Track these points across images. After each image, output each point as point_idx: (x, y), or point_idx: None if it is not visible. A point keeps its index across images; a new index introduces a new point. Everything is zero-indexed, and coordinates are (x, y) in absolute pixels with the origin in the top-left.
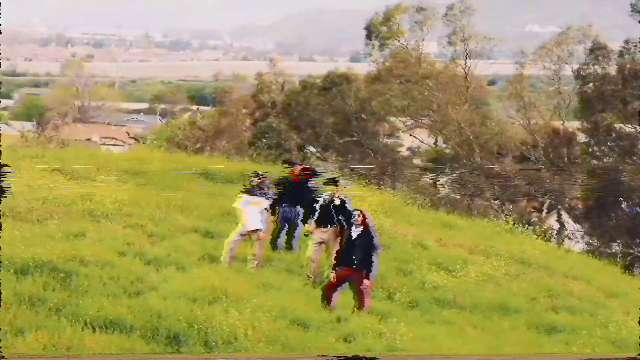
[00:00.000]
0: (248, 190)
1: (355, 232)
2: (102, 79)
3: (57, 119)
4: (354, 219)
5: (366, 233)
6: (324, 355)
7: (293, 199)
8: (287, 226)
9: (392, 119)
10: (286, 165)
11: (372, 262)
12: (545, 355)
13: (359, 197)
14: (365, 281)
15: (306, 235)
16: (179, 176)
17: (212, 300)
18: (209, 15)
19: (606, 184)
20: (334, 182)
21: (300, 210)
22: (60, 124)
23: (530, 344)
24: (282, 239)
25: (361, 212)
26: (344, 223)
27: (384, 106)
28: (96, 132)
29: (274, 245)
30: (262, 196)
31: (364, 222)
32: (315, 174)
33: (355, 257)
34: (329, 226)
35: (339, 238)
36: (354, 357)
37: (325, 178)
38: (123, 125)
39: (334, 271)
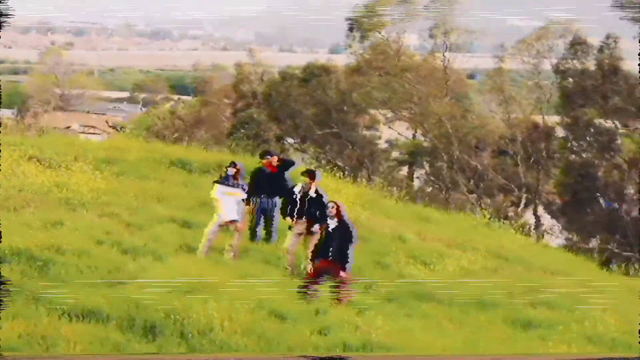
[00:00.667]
0: (224, 181)
1: (331, 224)
2: (80, 67)
3: (37, 107)
4: (328, 210)
5: (342, 225)
6: (304, 356)
7: (270, 190)
8: (263, 217)
9: (373, 111)
10: (263, 156)
11: (348, 254)
12: (542, 355)
13: (335, 189)
14: (342, 273)
15: (290, 228)
16: (156, 165)
17: (189, 290)
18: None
19: (583, 179)
20: (311, 173)
21: (277, 201)
22: (40, 111)
23: (507, 338)
24: (260, 229)
25: (335, 203)
26: (318, 215)
27: (365, 98)
28: (76, 121)
29: (252, 235)
30: (238, 187)
31: (338, 214)
32: (291, 164)
33: (332, 250)
34: (304, 218)
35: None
36: (332, 358)
37: (301, 169)
38: (104, 114)
39: (312, 263)
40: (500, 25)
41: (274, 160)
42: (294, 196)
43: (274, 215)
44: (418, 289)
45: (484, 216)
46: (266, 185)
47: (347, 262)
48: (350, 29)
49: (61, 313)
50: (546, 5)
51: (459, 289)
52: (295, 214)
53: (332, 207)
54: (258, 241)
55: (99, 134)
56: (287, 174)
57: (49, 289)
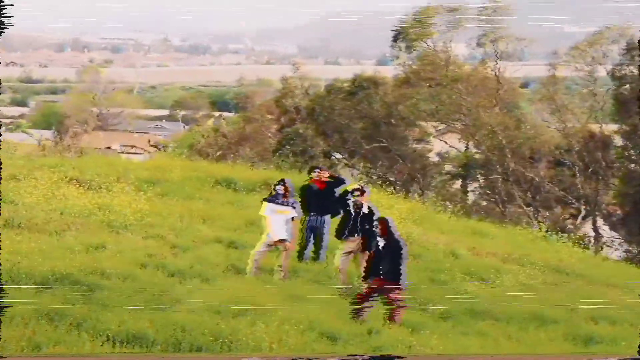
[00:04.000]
0: (273, 199)
1: (380, 242)
2: (120, 85)
3: (76, 127)
4: (375, 229)
5: (392, 242)
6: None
7: (318, 207)
8: (312, 236)
9: (423, 123)
10: (311, 172)
11: (400, 272)
12: (546, 355)
13: (387, 205)
14: (395, 292)
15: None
16: (200, 185)
17: (238, 313)
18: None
19: None
20: (360, 190)
21: (327, 219)
22: (80, 132)
23: (568, 355)
24: (309, 249)
25: (381, 220)
26: (370, 232)
27: (413, 110)
28: (117, 140)
29: (300, 255)
30: (287, 205)
31: (384, 231)
32: (341, 181)
33: (383, 268)
34: (356, 235)
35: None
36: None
37: (351, 185)
38: (145, 133)
39: (364, 282)
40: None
41: (324, 175)
42: (350, 215)
43: (323, 234)
44: (474, 306)
45: (541, 229)
46: (315, 203)
47: (400, 279)
48: (395, 39)
49: (105, 339)
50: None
51: (517, 304)
52: (347, 232)
53: (379, 226)
54: (306, 260)
55: (141, 153)
56: (337, 192)
57: (92, 314)
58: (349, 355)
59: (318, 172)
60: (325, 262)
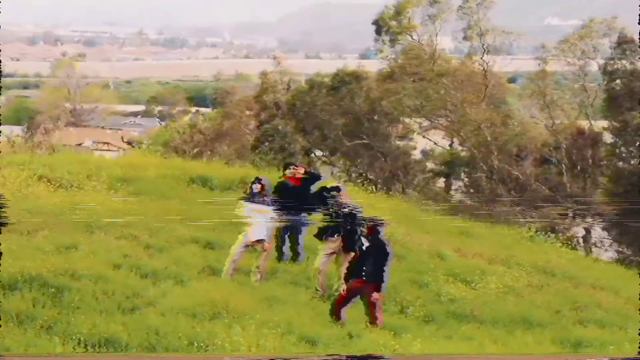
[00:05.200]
0: (249, 198)
1: (365, 242)
2: (94, 80)
3: (47, 123)
4: (361, 229)
5: (377, 242)
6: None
7: (294, 205)
8: (288, 235)
9: (407, 120)
10: (286, 169)
11: (384, 273)
12: (538, 355)
13: (367, 203)
14: (375, 294)
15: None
16: (175, 183)
17: (214, 315)
18: (207, 12)
19: (633, 187)
20: (336, 189)
21: (303, 217)
22: (51, 128)
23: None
24: (287, 248)
25: (371, 221)
26: (353, 232)
27: (397, 106)
28: (90, 137)
29: (279, 255)
30: (265, 204)
31: (371, 231)
32: (317, 178)
33: (366, 269)
34: (337, 236)
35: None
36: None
37: (328, 182)
38: (119, 129)
39: (345, 284)
40: (538, 25)
41: (299, 172)
42: (331, 214)
43: (299, 233)
44: (458, 309)
45: (530, 229)
46: (289, 201)
47: (383, 281)
48: (379, 32)
49: (77, 343)
50: (584, 2)
51: (502, 307)
52: (327, 231)
53: (366, 226)
54: (285, 261)
55: (114, 150)
56: (312, 189)
57: (63, 317)
58: (328, 355)
59: (293, 169)
60: (305, 263)
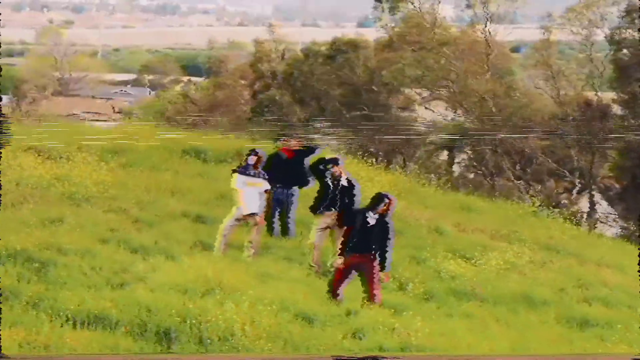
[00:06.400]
0: (243, 170)
1: (372, 217)
2: (82, 48)
3: (34, 92)
4: (379, 206)
5: (385, 220)
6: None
7: (285, 178)
8: (279, 209)
9: (408, 90)
10: (280, 141)
11: (387, 251)
12: (536, 355)
13: (367, 177)
14: (380, 273)
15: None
16: (167, 155)
17: (206, 292)
18: None
19: None
20: (334, 161)
21: (295, 191)
22: (39, 97)
23: (560, 339)
24: (277, 223)
25: (388, 199)
26: (351, 206)
27: (397, 76)
28: (78, 107)
29: (270, 229)
30: (259, 176)
31: (386, 210)
32: (312, 150)
33: (373, 245)
34: (333, 210)
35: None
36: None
37: (324, 154)
38: (109, 99)
39: (341, 258)
40: None
41: (293, 144)
42: (328, 187)
43: (290, 208)
44: (458, 286)
45: (533, 204)
46: (281, 173)
47: (387, 259)
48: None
49: (65, 320)
50: None
51: (504, 285)
52: (324, 206)
53: (384, 204)
54: (276, 236)
55: (104, 120)
56: (306, 162)
57: (49, 293)
58: (332, 355)
59: (287, 140)
60: (299, 238)
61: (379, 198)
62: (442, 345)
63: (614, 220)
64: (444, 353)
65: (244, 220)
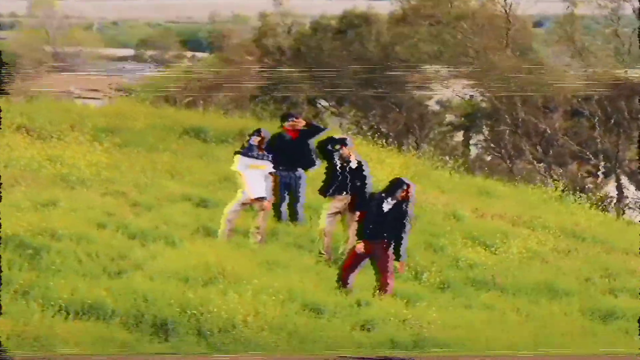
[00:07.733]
0: (246, 151)
1: (388, 203)
2: (77, 21)
3: (25, 68)
4: (397, 192)
5: (402, 206)
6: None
7: (288, 159)
8: (287, 193)
9: (423, 67)
10: (285, 120)
11: (402, 238)
12: (535, 355)
13: (377, 159)
14: (396, 263)
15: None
16: (167, 134)
17: (208, 280)
18: None
19: None
20: (342, 141)
21: (301, 173)
22: (30, 73)
23: (584, 332)
24: (285, 207)
25: (406, 184)
26: (362, 190)
27: (411, 52)
28: (73, 83)
29: (277, 214)
30: (262, 158)
31: (405, 197)
32: (317, 130)
33: (387, 232)
34: (345, 194)
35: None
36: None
37: (331, 133)
38: (106, 75)
39: (361, 243)
40: None
41: (299, 124)
42: (336, 170)
43: (299, 191)
44: (477, 275)
45: (556, 188)
46: (285, 154)
47: (401, 248)
48: None
49: (57, 309)
50: None
51: (525, 274)
52: (333, 189)
53: (402, 191)
54: (284, 220)
55: (100, 98)
56: (311, 143)
57: (41, 281)
58: (339, 356)
59: (293, 120)
60: (307, 223)
61: (396, 183)
62: (456, 339)
63: None
64: (459, 347)
65: (250, 204)
